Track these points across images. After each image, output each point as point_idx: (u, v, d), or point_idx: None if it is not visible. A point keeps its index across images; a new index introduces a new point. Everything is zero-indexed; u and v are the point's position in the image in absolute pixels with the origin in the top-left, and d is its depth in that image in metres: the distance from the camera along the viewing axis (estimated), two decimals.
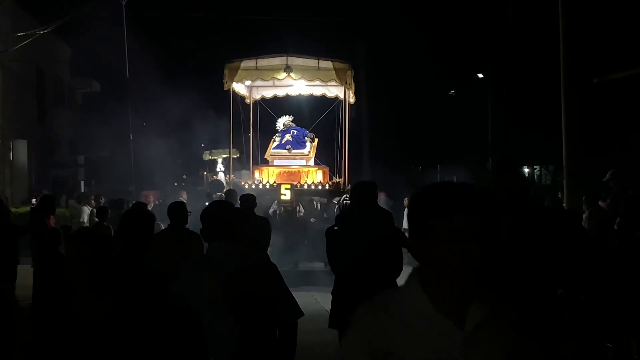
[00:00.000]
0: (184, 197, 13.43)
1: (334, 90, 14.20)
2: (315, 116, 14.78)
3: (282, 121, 14.11)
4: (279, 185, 12.44)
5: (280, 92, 14.41)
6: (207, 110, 19.04)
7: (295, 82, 13.47)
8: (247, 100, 14.12)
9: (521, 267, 3.39)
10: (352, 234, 5.10)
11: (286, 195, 12.18)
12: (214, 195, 11.95)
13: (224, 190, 10.93)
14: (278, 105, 14.92)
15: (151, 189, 16.30)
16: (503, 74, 25.93)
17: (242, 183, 12.79)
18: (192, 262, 3.98)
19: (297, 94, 14.43)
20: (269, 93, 14.38)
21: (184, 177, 25.20)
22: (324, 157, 14.26)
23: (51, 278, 7.05)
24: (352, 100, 14.10)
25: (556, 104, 10.07)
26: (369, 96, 25.78)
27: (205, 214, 3.70)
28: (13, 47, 20.34)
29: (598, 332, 3.96)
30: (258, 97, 14.29)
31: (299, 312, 3.61)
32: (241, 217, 3.82)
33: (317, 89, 14.20)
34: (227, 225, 3.61)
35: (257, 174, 13.22)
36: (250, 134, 14.31)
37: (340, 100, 14.15)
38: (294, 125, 14.03)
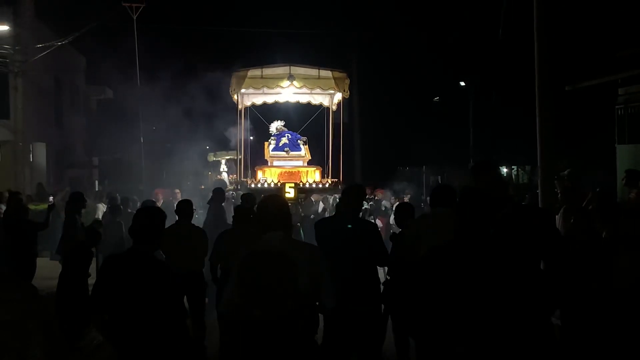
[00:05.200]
0: (178, 196, 13.51)
1: (318, 98, 14.39)
2: (302, 121, 14.85)
3: (275, 126, 14.14)
4: (283, 184, 12.48)
5: (269, 99, 14.43)
6: (211, 116, 19.06)
7: (283, 90, 13.51)
8: (239, 107, 14.17)
9: (507, 260, 3.38)
10: (340, 232, 5.10)
11: (290, 193, 12.21)
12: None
13: (213, 189, 10.93)
14: (267, 112, 14.91)
15: (161, 188, 16.26)
16: (484, 82, 26.01)
17: (249, 182, 12.84)
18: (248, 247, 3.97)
19: (285, 101, 14.51)
20: (258, 100, 14.35)
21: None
22: (313, 159, 14.31)
23: (78, 270, 7.07)
24: (334, 107, 14.29)
25: (531, 108, 10.09)
26: (361, 102, 25.81)
27: (262, 207, 3.74)
28: (33, 58, 20.31)
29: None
30: (248, 103, 14.24)
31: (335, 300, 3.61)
32: (288, 209, 3.83)
33: (303, 97, 14.32)
34: (281, 217, 3.66)
35: (260, 174, 13.24)
36: (242, 138, 14.29)
37: (325, 108, 14.39)
38: (286, 129, 14.08)
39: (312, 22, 28.42)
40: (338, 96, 13.88)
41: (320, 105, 14.55)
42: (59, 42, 20.94)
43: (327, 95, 14.21)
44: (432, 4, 29.75)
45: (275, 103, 14.67)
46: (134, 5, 19.75)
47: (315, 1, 28.24)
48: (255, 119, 14.75)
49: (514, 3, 11.16)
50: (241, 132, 13.73)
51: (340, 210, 5.51)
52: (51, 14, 22.33)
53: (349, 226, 5.19)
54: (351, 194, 5.43)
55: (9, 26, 20.14)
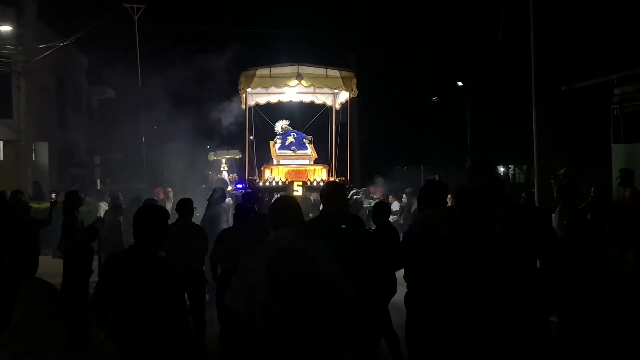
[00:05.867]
0: (170, 195, 13.44)
1: (321, 98, 14.39)
2: (305, 121, 14.83)
3: (280, 125, 14.09)
4: (291, 182, 12.44)
5: (273, 99, 14.39)
6: (212, 115, 19.05)
7: (287, 90, 13.49)
8: (242, 106, 14.10)
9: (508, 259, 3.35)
10: (334, 233, 5.02)
11: (299, 191, 12.18)
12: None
13: (214, 188, 10.91)
14: (270, 111, 14.86)
15: (162, 187, 16.23)
16: (482, 83, 25.99)
17: (257, 180, 12.80)
18: (258, 244, 4.06)
19: (288, 100, 14.48)
20: (262, 100, 14.30)
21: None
22: (318, 158, 14.29)
23: (81, 268, 7.07)
24: (338, 107, 14.30)
25: (528, 108, 10.09)
26: (360, 101, 25.76)
27: (273, 205, 3.91)
28: (35, 58, 20.29)
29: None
30: (252, 103, 14.18)
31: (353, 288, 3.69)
32: (299, 209, 3.96)
33: (307, 97, 14.32)
34: (290, 215, 3.79)
35: (267, 172, 13.17)
36: (246, 137, 14.27)
37: (329, 107, 14.41)
38: (291, 128, 14.04)
39: (311, 22, 28.45)
40: (342, 96, 13.89)
41: (324, 105, 14.53)
42: (61, 42, 20.94)
43: (330, 95, 14.18)
44: (430, 5, 29.76)
45: (279, 103, 14.63)
46: (135, 6, 19.76)
47: (314, 2, 28.27)
48: (258, 118, 14.68)
49: (511, 4, 11.15)
50: (247, 131, 13.70)
51: (328, 212, 5.25)
52: (53, 15, 22.33)
53: (343, 226, 5.11)
54: (333, 194, 5.27)
55: (12, 27, 20.14)
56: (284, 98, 14.29)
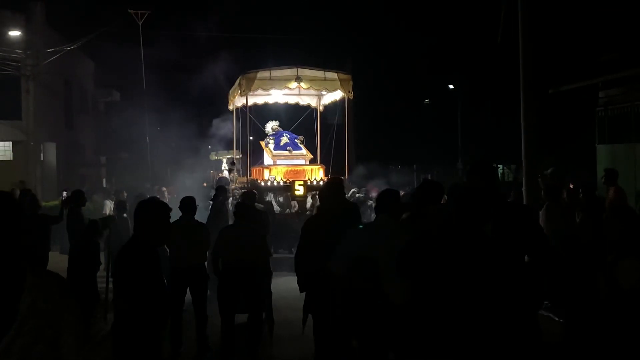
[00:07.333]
0: (165, 194, 13.40)
1: (306, 100, 14.44)
2: (291, 122, 14.82)
3: (270, 126, 14.04)
4: (292, 181, 12.42)
5: (260, 101, 14.37)
6: (213, 117, 19.04)
7: (274, 92, 13.48)
8: (230, 107, 14.05)
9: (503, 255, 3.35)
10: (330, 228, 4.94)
11: (300, 190, 12.13)
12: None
13: (217, 187, 10.87)
14: (256, 113, 14.75)
15: (165, 185, 16.22)
16: (472, 86, 26.04)
17: (259, 180, 12.76)
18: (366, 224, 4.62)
19: (274, 102, 14.46)
20: (249, 101, 14.28)
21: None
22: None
23: (86, 262, 7.06)
24: (321, 108, 14.42)
25: (517, 110, 10.12)
26: (355, 102, 25.75)
27: (380, 195, 4.63)
28: (44, 62, 20.28)
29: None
30: (239, 104, 14.05)
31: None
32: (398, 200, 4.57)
33: (292, 98, 14.36)
34: (389, 203, 4.39)
35: (266, 172, 13.14)
36: (233, 137, 14.22)
37: (313, 108, 14.50)
38: (281, 129, 13.98)
39: (309, 25, 28.41)
40: (326, 98, 13.92)
41: (308, 106, 14.57)
42: (69, 47, 20.93)
43: (314, 97, 14.23)
44: (425, 11, 29.77)
45: (265, 104, 14.60)
46: (139, 12, 19.74)
47: (312, 5, 28.28)
48: (243, 120, 14.61)
49: (510, 11, 11.13)
50: (234, 132, 13.67)
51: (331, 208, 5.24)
52: (61, 20, 22.30)
53: (361, 226, 5.05)
54: (332, 194, 5.25)
55: (21, 32, 20.12)
56: (270, 100, 14.26)
